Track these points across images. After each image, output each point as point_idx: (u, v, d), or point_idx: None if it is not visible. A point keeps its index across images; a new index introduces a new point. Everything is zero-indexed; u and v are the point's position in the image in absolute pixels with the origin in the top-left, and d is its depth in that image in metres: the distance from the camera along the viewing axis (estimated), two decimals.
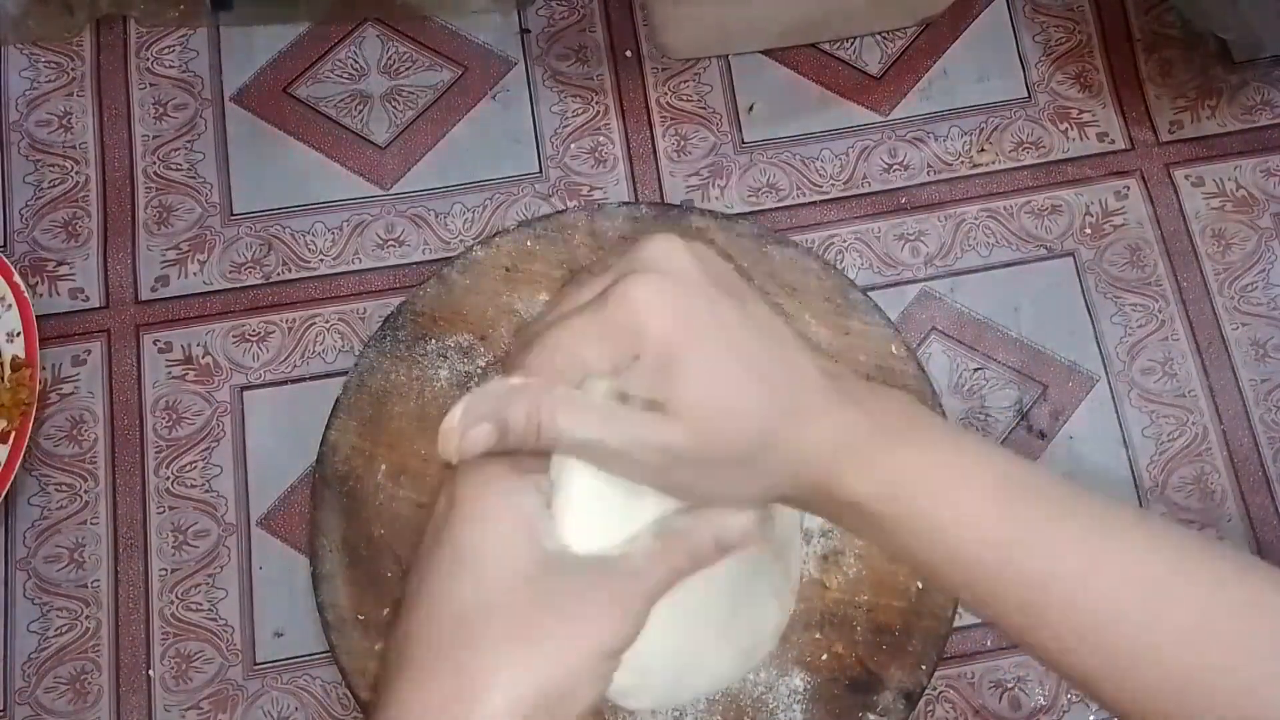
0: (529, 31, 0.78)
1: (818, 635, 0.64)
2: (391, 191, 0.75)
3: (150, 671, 0.66)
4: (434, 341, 0.69)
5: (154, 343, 0.71)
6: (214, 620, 0.67)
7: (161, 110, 0.76)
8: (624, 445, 0.37)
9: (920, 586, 0.65)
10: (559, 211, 0.72)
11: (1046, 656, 0.39)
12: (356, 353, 0.70)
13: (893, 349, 0.69)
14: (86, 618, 0.67)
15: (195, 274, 0.73)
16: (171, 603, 0.67)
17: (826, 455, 0.39)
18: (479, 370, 0.68)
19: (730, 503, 0.40)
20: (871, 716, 0.63)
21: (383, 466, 0.66)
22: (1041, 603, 0.37)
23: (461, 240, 0.74)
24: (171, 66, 0.77)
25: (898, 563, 0.41)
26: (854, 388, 0.41)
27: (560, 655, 0.36)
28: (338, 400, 0.68)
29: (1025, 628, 0.38)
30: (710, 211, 0.72)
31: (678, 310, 0.38)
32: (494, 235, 0.71)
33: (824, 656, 0.64)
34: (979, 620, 0.67)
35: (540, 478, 0.40)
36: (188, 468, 0.69)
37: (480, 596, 0.37)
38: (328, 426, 0.67)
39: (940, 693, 0.66)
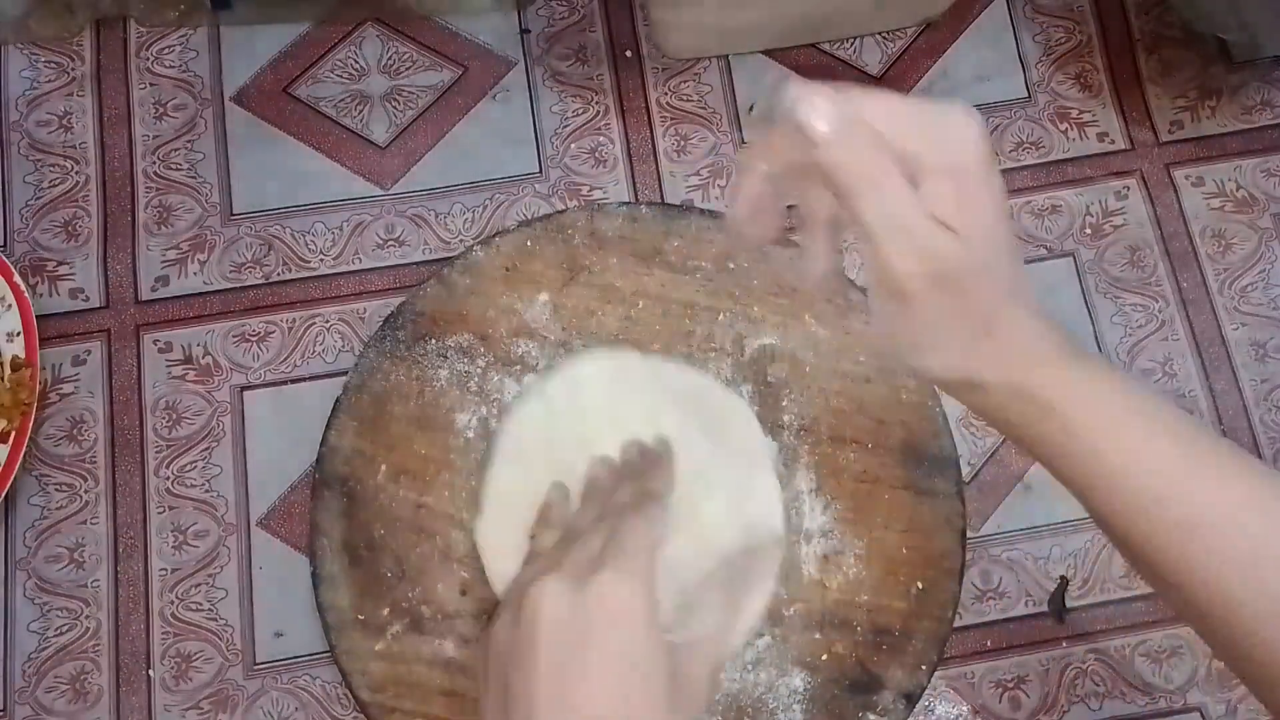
0: (529, 31, 0.78)
1: (818, 635, 0.64)
2: (391, 191, 0.75)
3: (150, 671, 0.66)
4: (434, 342, 0.69)
5: (154, 343, 0.71)
6: (214, 620, 0.67)
7: (161, 110, 0.76)
8: (907, 231, 0.39)
9: (920, 587, 0.65)
10: (559, 211, 0.72)
11: (1193, 590, 0.40)
12: (357, 353, 0.70)
13: None
14: (86, 618, 0.67)
15: (195, 274, 0.73)
16: (171, 603, 0.67)
17: (1041, 348, 0.42)
18: (479, 370, 0.68)
19: (933, 366, 0.42)
20: (872, 717, 0.63)
21: (383, 467, 0.66)
22: (1196, 538, 0.40)
23: (461, 240, 0.74)
24: (171, 66, 0.77)
25: (1053, 471, 0.44)
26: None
27: None
28: (338, 400, 0.68)
29: (1179, 559, 0.40)
30: (711, 211, 0.72)
31: (990, 150, 0.40)
32: (494, 235, 0.71)
33: (824, 657, 0.64)
34: (980, 621, 0.67)
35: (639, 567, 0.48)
36: (188, 468, 0.69)
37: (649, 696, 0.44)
38: (328, 427, 0.67)
39: (940, 693, 0.66)
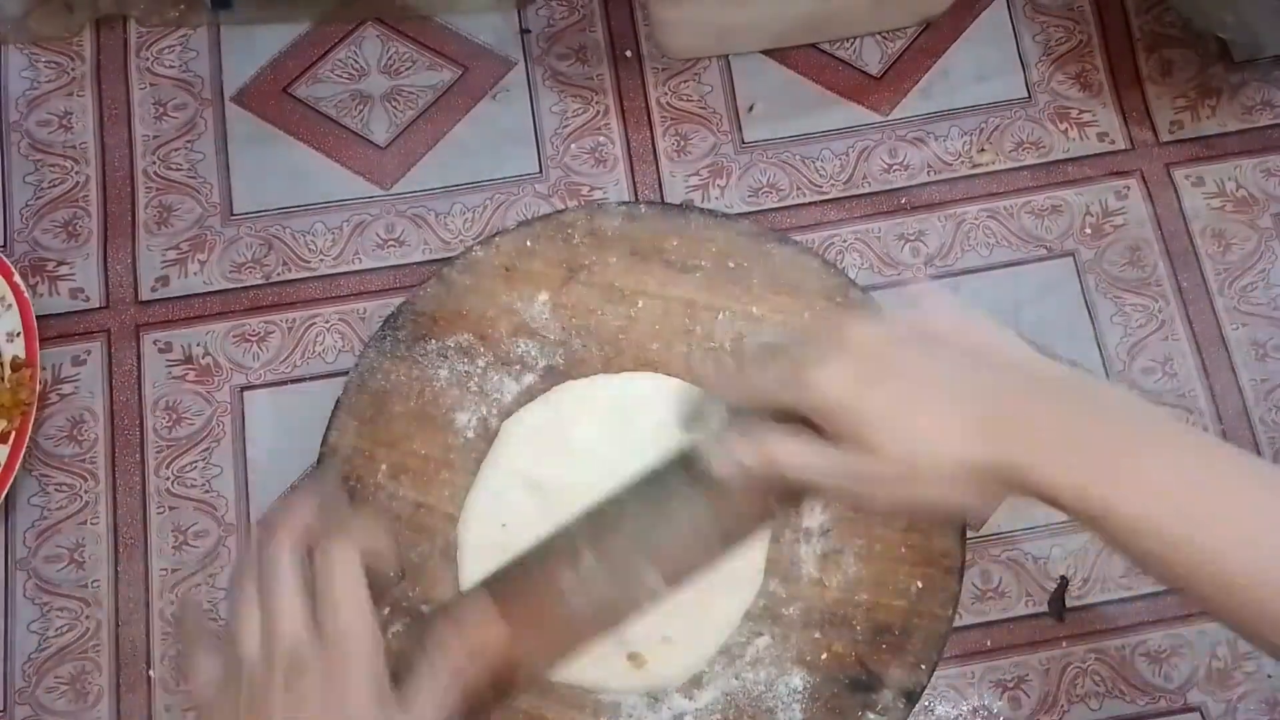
0: (529, 31, 0.78)
1: (817, 634, 0.64)
2: (392, 191, 0.75)
3: (150, 671, 0.66)
4: (434, 341, 0.68)
5: (154, 343, 0.71)
6: (214, 621, 0.67)
7: (162, 110, 0.76)
8: (839, 482, 0.45)
9: (920, 586, 0.65)
10: (559, 211, 0.72)
11: None
12: (357, 353, 0.70)
13: None
14: (86, 618, 0.67)
15: (195, 274, 0.73)
16: (172, 603, 0.67)
17: (1052, 461, 0.42)
18: (479, 370, 0.68)
19: (942, 506, 0.46)
20: (871, 716, 0.63)
21: (383, 466, 0.66)
22: None
23: (461, 240, 0.74)
24: (172, 66, 0.77)
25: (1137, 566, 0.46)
26: (1076, 390, 0.46)
27: None
28: (338, 400, 0.68)
29: None
30: (710, 211, 0.72)
31: (849, 378, 0.44)
32: (494, 235, 0.71)
33: (823, 656, 0.64)
34: (980, 620, 0.67)
35: None
36: (188, 468, 0.69)
37: None
38: (328, 427, 0.67)
39: (940, 692, 0.66)
